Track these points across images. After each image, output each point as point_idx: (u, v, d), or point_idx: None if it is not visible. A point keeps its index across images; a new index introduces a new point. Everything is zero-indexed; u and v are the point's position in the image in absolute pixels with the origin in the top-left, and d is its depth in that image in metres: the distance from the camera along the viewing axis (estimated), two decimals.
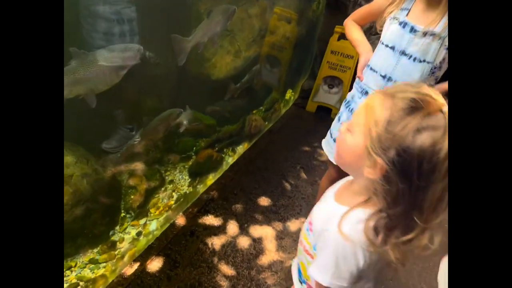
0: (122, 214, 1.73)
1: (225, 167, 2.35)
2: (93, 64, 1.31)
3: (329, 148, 1.53)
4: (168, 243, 1.73)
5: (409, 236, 0.67)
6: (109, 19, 1.39)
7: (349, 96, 1.46)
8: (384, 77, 1.29)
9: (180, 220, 1.96)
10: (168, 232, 1.88)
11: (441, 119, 0.62)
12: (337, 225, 0.72)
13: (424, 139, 0.61)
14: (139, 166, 1.78)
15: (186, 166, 2.06)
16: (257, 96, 2.74)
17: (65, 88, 1.26)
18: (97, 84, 1.32)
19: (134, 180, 1.76)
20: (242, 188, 2.26)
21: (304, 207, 2.19)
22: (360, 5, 2.99)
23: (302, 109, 3.30)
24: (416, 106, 0.63)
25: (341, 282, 0.74)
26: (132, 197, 1.73)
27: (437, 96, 0.65)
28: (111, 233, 1.65)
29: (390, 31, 1.25)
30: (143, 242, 1.71)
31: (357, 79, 1.42)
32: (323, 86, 3.17)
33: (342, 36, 3.02)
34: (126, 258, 1.60)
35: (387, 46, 1.27)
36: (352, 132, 0.72)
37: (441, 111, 0.63)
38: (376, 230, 0.69)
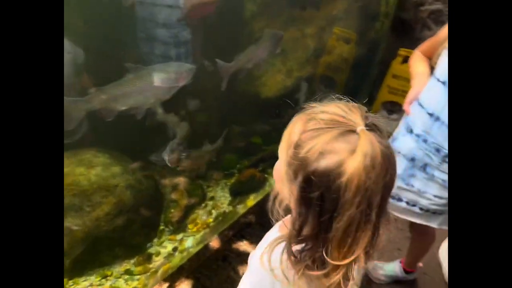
0: (161, 227, 1.74)
1: (268, 189, 2.29)
2: (146, 79, 1.34)
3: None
4: (199, 266, 1.70)
5: (318, 272, 0.60)
6: (167, 42, 1.43)
7: (395, 133, 1.31)
8: (431, 115, 1.13)
9: (215, 243, 1.92)
10: (201, 254, 1.85)
11: (352, 141, 0.55)
12: (261, 253, 0.66)
13: (327, 163, 0.55)
14: (182, 180, 1.79)
15: (228, 184, 2.04)
16: None
17: (118, 99, 1.31)
18: (148, 98, 1.35)
19: (176, 194, 1.77)
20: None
21: None
22: (429, 28, 2.78)
23: None
24: (327, 126, 0.57)
25: None
26: (172, 210, 1.74)
27: (354, 115, 0.58)
28: (148, 245, 1.67)
29: (444, 64, 1.10)
30: (177, 258, 1.70)
31: (404, 114, 1.27)
32: (382, 111, 2.97)
33: (406, 60, 2.81)
34: (159, 274, 1.60)
35: (438, 80, 1.12)
36: (279, 157, 0.65)
37: (354, 131, 0.56)
38: (287, 253, 0.63)
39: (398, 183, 1.17)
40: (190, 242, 1.82)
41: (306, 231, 0.61)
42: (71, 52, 1.33)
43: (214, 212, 1.92)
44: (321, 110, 0.61)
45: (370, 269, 1.69)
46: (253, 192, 2.17)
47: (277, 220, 0.70)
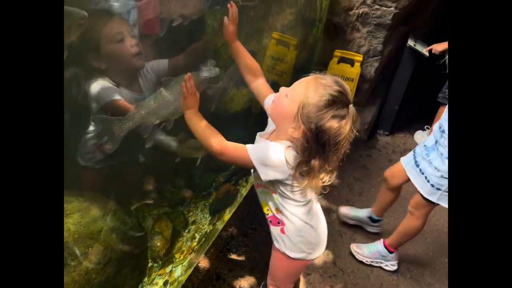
0: (150, 264, 1.63)
1: (239, 199, 2.30)
2: (175, 90, 1.29)
3: (409, 168, 1.82)
4: None
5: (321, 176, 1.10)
6: None
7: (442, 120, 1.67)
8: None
9: (204, 263, 1.88)
10: (194, 278, 1.79)
11: (348, 111, 1.02)
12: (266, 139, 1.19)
13: (333, 124, 1.00)
14: (162, 210, 1.69)
15: (207, 204, 1.99)
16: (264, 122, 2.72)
17: (154, 113, 1.27)
18: (178, 108, 1.29)
19: (160, 225, 1.67)
20: (259, 221, 2.22)
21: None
22: (358, 30, 3.08)
23: None
24: (334, 101, 1.00)
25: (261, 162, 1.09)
26: (158, 244, 1.64)
27: (347, 93, 1.03)
28: (139, 286, 1.55)
29: None
30: None
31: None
32: None
33: (342, 60, 3.08)
34: None
35: None
36: (289, 99, 1.06)
37: (348, 106, 1.02)
38: (296, 168, 1.07)
39: (423, 154, 1.74)
40: (179, 271, 1.74)
41: (310, 155, 1.04)
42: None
43: (197, 236, 1.86)
44: (329, 85, 1.02)
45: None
46: (229, 205, 2.16)
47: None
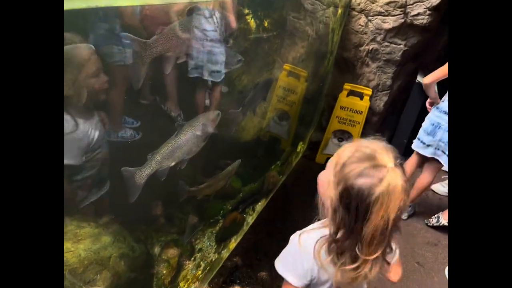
0: None
1: (245, 228, 2.31)
2: (188, 132, 1.44)
3: (418, 143, 2.51)
4: None
5: (353, 266, 0.85)
6: None
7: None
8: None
9: None
10: None
11: (383, 172, 0.79)
12: (299, 233, 0.99)
13: (362, 182, 0.80)
14: (170, 236, 1.71)
15: (214, 232, 2.01)
16: (273, 151, 2.77)
17: (169, 157, 1.37)
18: (191, 148, 1.44)
19: (167, 253, 1.68)
20: (265, 253, 2.21)
21: None
22: (367, 65, 3.16)
23: (310, 160, 3.34)
24: (367, 158, 0.82)
25: (287, 274, 0.96)
26: (164, 272, 1.65)
27: (388, 155, 0.83)
28: None
29: None
30: None
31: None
32: (332, 139, 3.25)
33: (351, 93, 3.15)
34: None
35: None
36: (326, 169, 0.92)
37: (385, 166, 0.80)
38: (328, 251, 0.88)
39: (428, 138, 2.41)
40: None
41: (341, 233, 0.85)
42: None
43: (202, 264, 1.87)
44: (365, 145, 0.86)
45: None
46: (234, 234, 2.17)
47: (319, 219, 0.99)
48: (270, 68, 2.22)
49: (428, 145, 2.42)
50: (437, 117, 2.39)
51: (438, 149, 2.38)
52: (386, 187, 0.78)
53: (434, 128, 2.39)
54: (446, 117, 2.32)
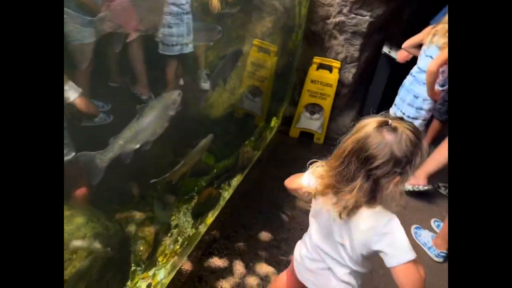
0: (133, 268, 1.68)
1: (222, 203, 2.37)
2: (150, 113, 1.44)
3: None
4: None
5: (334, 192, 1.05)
6: None
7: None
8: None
9: (186, 266, 1.94)
10: (176, 280, 1.85)
11: (366, 127, 0.99)
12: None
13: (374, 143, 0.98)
14: (146, 215, 1.75)
15: (189, 208, 2.06)
16: (247, 127, 2.81)
17: (132, 140, 1.39)
18: (155, 130, 1.45)
19: (143, 230, 1.72)
20: (242, 224, 2.29)
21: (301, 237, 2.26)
22: (335, 38, 3.20)
23: (285, 135, 3.40)
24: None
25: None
26: (141, 248, 1.69)
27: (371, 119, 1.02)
28: None
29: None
30: None
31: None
32: (305, 113, 3.31)
33: (321, 66, 3.19)
34: None
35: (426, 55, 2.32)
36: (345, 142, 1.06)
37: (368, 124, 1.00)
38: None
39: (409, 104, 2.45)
40: (162, 274, 1.80)
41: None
42: None
43: (180, 239, 1.92)
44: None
45: None
46: (211, 209, 2.23)
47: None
48: (237, 43, 2.22)
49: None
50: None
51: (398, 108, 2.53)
52: (364, 132, 0.96)
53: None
54: (410, 77, 2.48)
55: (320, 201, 1.09)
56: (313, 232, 1.18)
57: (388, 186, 0.97)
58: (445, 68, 2.16)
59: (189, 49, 1.96)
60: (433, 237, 2.18)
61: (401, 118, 1.04)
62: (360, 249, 1.03)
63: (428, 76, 2.15)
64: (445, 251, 2.07)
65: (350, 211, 0.99)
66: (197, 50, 2.05)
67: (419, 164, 0.96)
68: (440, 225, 2.34)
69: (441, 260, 2.07)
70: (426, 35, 2.33)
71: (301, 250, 1.25)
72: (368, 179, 0.97)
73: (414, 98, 2.40)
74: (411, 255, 0.95)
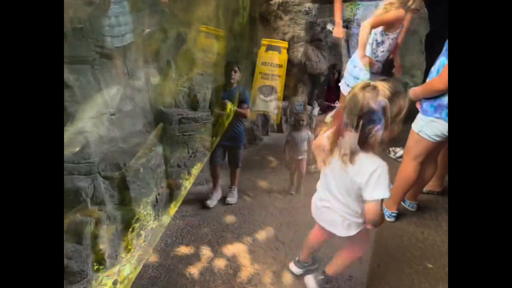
0: (95, 267, 1.66)
1: (184, 192, 2.38)
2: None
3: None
4: (146, 285, 1.73)
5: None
6: None
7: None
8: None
9: (153, 258, 1.95)
10: (144, 273, 1.85)
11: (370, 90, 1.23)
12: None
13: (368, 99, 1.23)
14: (101, 211, 1.72)
15: (149, 201, 2.05)
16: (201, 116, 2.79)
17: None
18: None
19: (100, 227, 1.69)
20: (206, 210, 2.33)
21: (264, 215, 2.33)
22: (281, 18, 3.24)
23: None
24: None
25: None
26: (101, 247, 1.67)
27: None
28: None
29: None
30: None
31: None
32: (259, 95, 3.36)
33: (270, 48, 3.24)
34: None
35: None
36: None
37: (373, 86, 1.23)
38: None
39: None
40: (128, 270, 1.80)
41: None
42: None
43: (143, 233, 1.92)
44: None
45: None
46: (173, 200, 2.24)
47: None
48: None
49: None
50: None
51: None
52: (352, 93, 1.24)
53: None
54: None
55: (330, 154, 1.38)
56: (323, 178, 1.49)
57: (370, 132, 1.21)
58: (381, 30, 2.29)
59: None
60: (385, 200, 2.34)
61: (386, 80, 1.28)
62: (352, 187, 1.33)
63: (360, 33, 2.29)
64: (395, 211, 2.24)
65: (350, 157, 1.26)
66: None
67: (395, 116, 1.20)
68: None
69: (392, 219, 2.24)
70: None
71: (315, 194, 1.56)
72: (357, 129, 1.22)
73: (353, 68, 2.52)
74: (387, 194, 1.26)
